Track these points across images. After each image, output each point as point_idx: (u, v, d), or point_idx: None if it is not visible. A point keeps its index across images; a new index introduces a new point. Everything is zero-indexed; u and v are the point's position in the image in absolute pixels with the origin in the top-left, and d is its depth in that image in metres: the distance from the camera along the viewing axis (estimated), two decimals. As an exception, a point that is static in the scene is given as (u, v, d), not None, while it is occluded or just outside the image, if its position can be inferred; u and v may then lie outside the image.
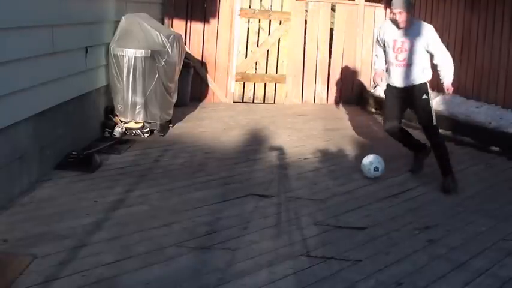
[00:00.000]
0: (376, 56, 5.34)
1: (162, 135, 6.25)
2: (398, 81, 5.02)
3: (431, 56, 4.96)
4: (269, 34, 8.80)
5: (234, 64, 8.72)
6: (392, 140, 5.35)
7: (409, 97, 5.03)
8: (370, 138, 6.77)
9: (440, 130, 7.01)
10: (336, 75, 9.26)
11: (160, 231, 3.59)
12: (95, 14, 5.62)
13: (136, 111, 6.07)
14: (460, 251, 3.50)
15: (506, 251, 3.53)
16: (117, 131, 5.96)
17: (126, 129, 6.05)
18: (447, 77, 4.94)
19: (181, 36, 6.65)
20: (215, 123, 7.14)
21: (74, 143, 5.11)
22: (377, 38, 5.24)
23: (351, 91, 9.37)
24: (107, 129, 5.97)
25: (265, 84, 8.91)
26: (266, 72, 8.88)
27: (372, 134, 7.04)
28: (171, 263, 3.16)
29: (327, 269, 3.17)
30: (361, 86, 9.36)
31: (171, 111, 6.46)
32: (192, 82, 8.22)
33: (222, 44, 8.60)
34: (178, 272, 3.06)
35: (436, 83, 7.95)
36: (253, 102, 8.84)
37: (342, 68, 9.25)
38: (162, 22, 8.07)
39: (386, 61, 5.11)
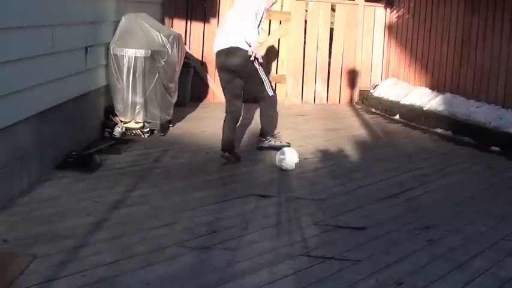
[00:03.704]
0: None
1: (162, 135, 6.25)
2: None
3: None
4: (269, 34, 8.79)
5: (234, 64, 8.71)
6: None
7: None
8: (370, 138, 6.78)
9: (440, 130, 7.12)
10: (336, 75, 9.26)
11: (161, 231, 3.59)
12: (95, 14, 5.62)
13: (136, 111, 6.08)
14: (460, 251, 3.50)
15: (506, 251, 3.52)
16: (117, 131, 5.96)
17: (126, 129, 6.05)
18: None
19: (181, 36, 6.65)
20: (215, 123, 7.10)
21: (74, 143, 5.11)
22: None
23: (350, 91, 9.37)
24: (107, 129, 5.97)
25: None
26: (266, 72, 8.88)
27: (372, 134, 7.05)
28: (171, 263, 3.16)
29: (327, 269, 3.17)
30: (361, 86, 9.36)
31: (171, 111, 6.46)
32: (192, 82, 8.22)
33: (222, 44, 8.59)
34: (179, 272, 3.06)
35: (436, 82, 8.02)
36: (253, 102, 8.81)
37: (342, 68, 9.25)
38: (162, 22, 8.07)
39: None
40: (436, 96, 7.71)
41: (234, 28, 5.29)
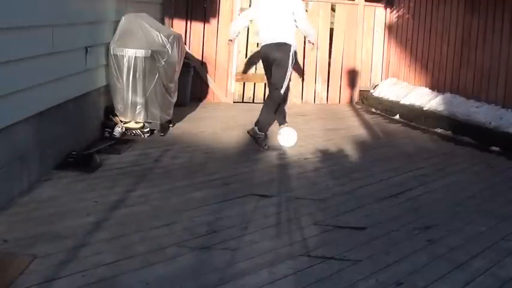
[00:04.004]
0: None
1: (162, 135, 6.26)
2: None
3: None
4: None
5: (234, 64, 8.72)
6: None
7: None
8: (370, 138, 6.78)
9: (440, 130, 7.12)
10: (336, 75, 9.27)
11: (161, 231, 3.59)
12: (95, 14, 5.62)
13: (137, 111, 6.07)
14: (460, 251, 3.50)
15: (506, 251, 3.53)
16: (117, 131, 5.96)
17: (126, 129, 6.05)
18: None
19: (181, 36, 6.65)
20: (215, 123, 7.13)
21: (74, 143, 5.11)
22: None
23: (350, 91, 9.37)
24: (107, 129, 5.97)
25: (265, 84, 8.89)
26: (266, 72, 8.87)
27: (372, 134, 7.05)
28: (171, 262, 3.16)
29: (327, 269, 3.17)
30: (361, 86, 9.36)
31: (171, 111, 6.46)
32: (192, 82, 8.22)
33: (222, 44, 8.60)
34: (179, 271, 3.06)
35: (436, 82, 8.02)
36: (253, 102, 8.83)
37: (342, 68, 9.26)
38: (162, 22, 8.07)
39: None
40: (436, 96, 7.71)
41: (283, 23, 5.94)
